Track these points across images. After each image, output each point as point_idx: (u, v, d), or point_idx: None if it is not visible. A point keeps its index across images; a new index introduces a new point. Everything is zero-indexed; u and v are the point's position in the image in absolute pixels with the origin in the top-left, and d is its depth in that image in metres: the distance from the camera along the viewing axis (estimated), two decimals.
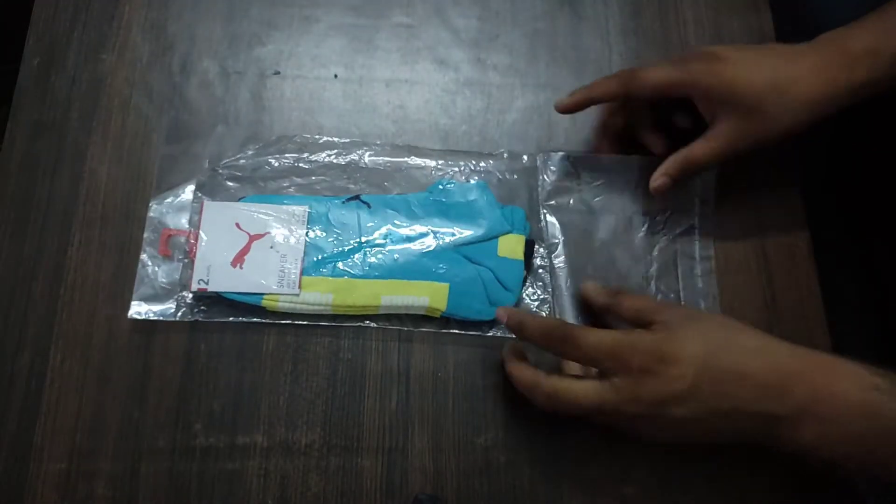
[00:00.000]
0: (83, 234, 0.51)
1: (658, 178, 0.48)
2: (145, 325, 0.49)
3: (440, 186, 0.52)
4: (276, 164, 0.52)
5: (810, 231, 0.53)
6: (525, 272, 0.50)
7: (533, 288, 0.51)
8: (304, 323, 0.49)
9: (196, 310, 0.48)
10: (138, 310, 0.48)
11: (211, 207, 0.49)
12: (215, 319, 0.48)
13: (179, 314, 0.48)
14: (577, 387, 0.41)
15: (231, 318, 0.48)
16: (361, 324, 0.49)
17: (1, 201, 0.52)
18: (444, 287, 0.49)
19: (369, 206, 0.51)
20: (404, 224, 0.51)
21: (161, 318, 0.48)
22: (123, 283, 0.50)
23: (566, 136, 0.55)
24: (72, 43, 0.56)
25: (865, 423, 0.36)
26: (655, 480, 0.47)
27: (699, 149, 0.47)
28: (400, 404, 0.48)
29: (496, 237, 0.50)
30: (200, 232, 0.49)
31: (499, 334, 0.49)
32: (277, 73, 0.56)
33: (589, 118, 0.56)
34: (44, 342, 0.48)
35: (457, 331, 0.50)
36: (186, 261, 0.49)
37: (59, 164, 0.53)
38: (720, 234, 0.53)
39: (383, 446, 0.47)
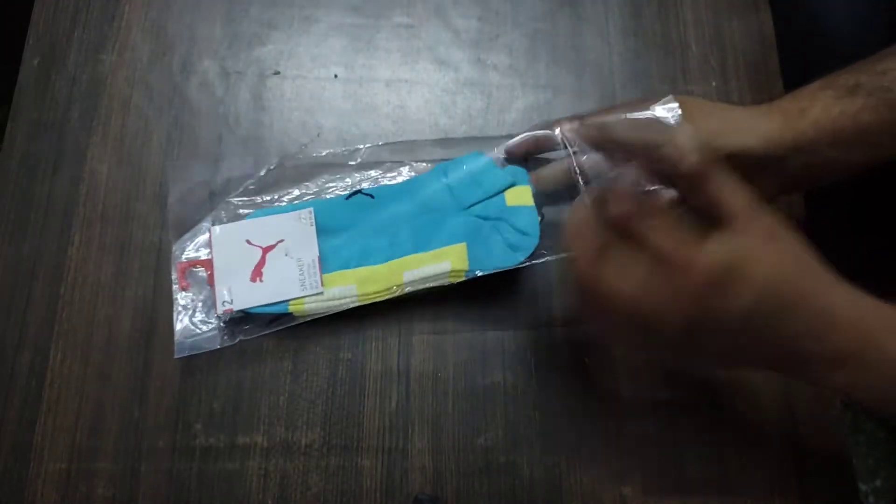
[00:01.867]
0: (83, 234, 0.51)
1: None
2: (145, 324, 0.49)
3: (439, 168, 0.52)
4: (281, 178, 0.52)
5: (810, 231, 0.53)
6: (540, 215, 0.49)
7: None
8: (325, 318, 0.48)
9: (236, 332, 0.48)
10: (183, 347, 0.47)
11: (218, 231, 0.49)
12: (257, 335, 0.48)
13: (221, 341, 0.47)
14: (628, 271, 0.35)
15: (274, 329, 0.48)
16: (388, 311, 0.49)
17: (1, 201, 0.52)
18: (461, 247, 0.48)
19: (372, 197, 0.51)
20: (411, 204, 0.50)
21: (206, 349, 0.47)
22: (124, 283, 0.50)
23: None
24: (72, 43, 0.56)
25: None
26: (655, 480, 0.47)
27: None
28: (400, 404, 0.48)
29: (501, 192, 0.50)
30: (213, 256, 0.49)
31: (532, 263, 0.47)
32: (277, 73, 0.56)
33: None
34: (44, 342, 0.48)
35: (456, 332, 0.50)
36: (209, 288, 0.49)
37: (59, 164, 0.53)
38: None
39: (383, 446, 0.47)
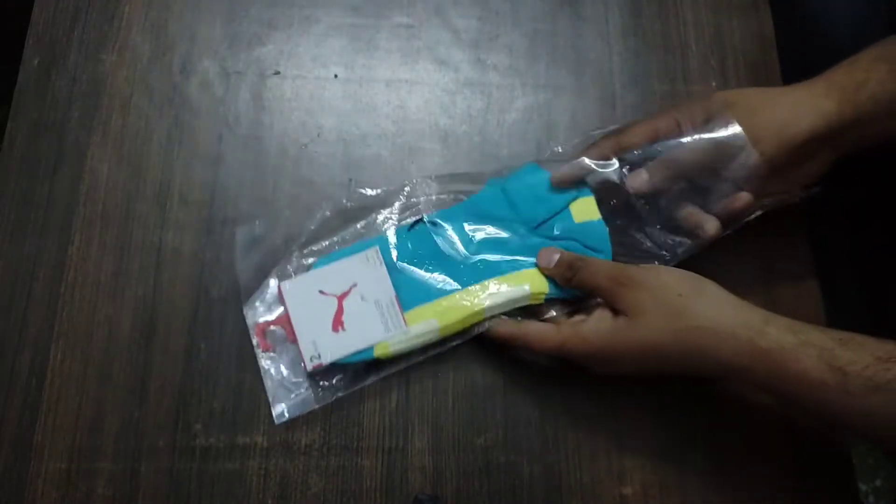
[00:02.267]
0: (83, 234, 0.51)
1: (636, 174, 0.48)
2: (145, 324, 0.49)
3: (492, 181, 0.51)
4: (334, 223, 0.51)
5: (810, 231, 0.53)
6: (607, 227, 0.49)
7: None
8: (420, 359, 0.48)
9: (331, 387, 0.47)
10: (282, 413, 0.47)
11: (289, 287, 0.48)
12: (358, 386, 0.47)
13: (319, 399, 0.47)
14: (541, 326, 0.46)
15: (373, 379, 0.47)
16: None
17: (1, 201, 0.52)
18: (536, 271, 0.48)
19: (435, 224, 0.50)
20: (476, 227, 0.50)
21: (306, 410, 0.47)
22: (124, 283, 0.50)
23: (566, 136, 0.55)
24: (72, 43, 0.56)
25: (816, 399, 0.39)
26: (655, 480, 0.47)
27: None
28: (400, 404, 0.48)
29: (566, 207, 0.50)
30: (290, 312, 0.48)
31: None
32: (277, 73, 0.56)
33: (589, 120, 0.56)
34: (44, 341, 0.48)
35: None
36: (290, 346, 0.48)
37: (59, 164, 0.53)
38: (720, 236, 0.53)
39: (383, 446, 0.47)
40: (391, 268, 0.49)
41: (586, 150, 0.49)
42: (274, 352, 0.48)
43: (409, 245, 0.50)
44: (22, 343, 0.48)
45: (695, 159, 0.46)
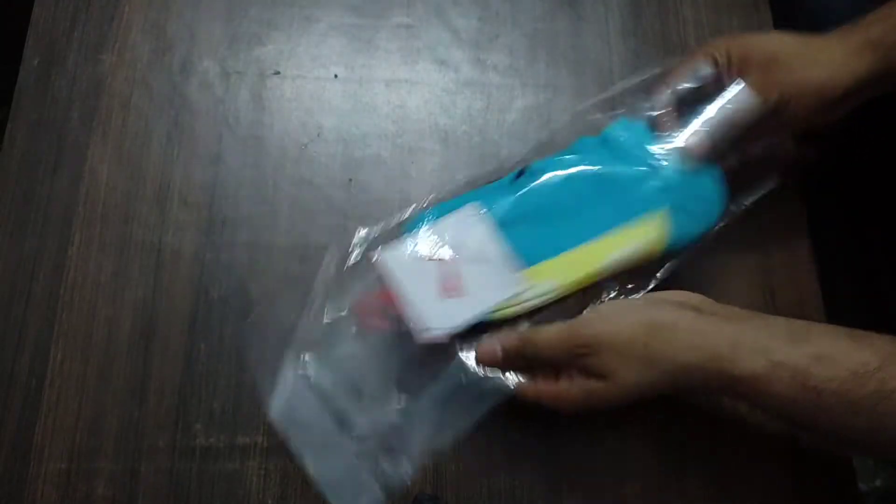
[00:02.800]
0: (83, 234, 0.51)
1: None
2: (145, 324, 0.49)
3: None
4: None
5: (810, 231, 0.53)
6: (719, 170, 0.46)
7: None
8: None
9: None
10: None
11: (391, 257, 0.44)
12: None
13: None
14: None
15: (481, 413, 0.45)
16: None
17: (1, 201, 0.52)
18: (658, 220, 0.45)
19: (543, 173, 0.46)
20: (586, 171, 0.46)
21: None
22: (124, 283, 0.50)
23: (565, 136, 0.55)
24: (72, 43, 0.56)
25: (796, 415, 0.39)
26: (655, 480, 0.47)
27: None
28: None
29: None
30: (396, 283, 0.43)
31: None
32: (277, 73, 0.56)
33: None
34: (44, 342, 0.48)
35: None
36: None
37: (59, 164, 0.53)
38: (720, 236, 0.53)
39: (383, 446, 0.47)
40: (499, 223, 0.45)
41: (646, 97, 0.49)
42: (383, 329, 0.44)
43: (518, 197, 0.45)
44: (22, 343, 0.48)
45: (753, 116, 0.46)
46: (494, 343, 0.44)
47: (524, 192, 0.46)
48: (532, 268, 0.44)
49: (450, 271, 0.43)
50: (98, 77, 0.55)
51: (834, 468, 0.48)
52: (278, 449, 0.47)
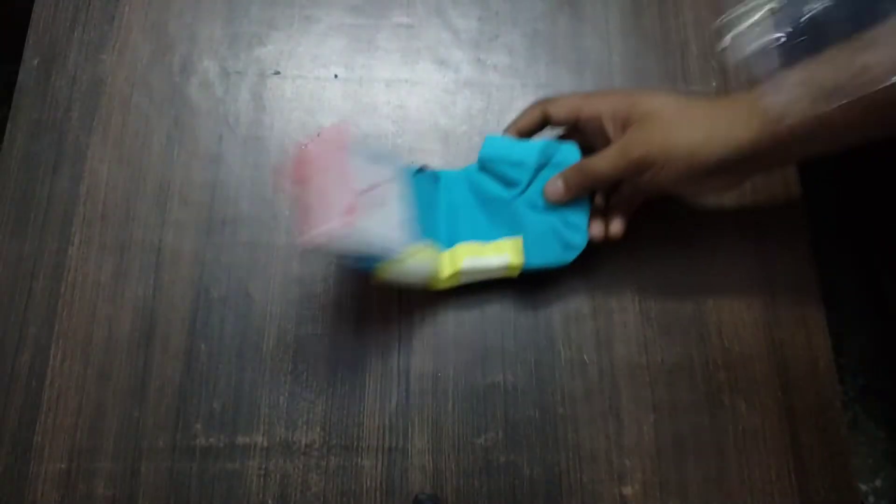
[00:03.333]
0: (83, 234, 0.51)
1: (552, 182, 0.48)
2: (145, 324, 0.49)
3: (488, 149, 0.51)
4: None
5: (811, 231, 0.53)
6: (590, 205, 0.49)
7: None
8: None
9: None
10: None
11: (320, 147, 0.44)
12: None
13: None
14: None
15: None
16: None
17: (1, 201, 0.52)
18: (517, 241, 0.48)
19: (436, 179, 0.51)
20: (469, 190, 0.50)
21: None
22: (124, 283, 0.50)
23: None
24: (72, 43, 0.56)
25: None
26: (655, 480, 0.47)
27: (596, 156, 0.46)
28: (400, 404, 0.48)
29: (551, 172, 0.49)
30: (318, 169, 0.43)
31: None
32: (277, 73, 0.56)
33: None
34: (44, 341, 0.48)
35: (456, 332, 0.50)
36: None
37: (59, 164, 0.53)
38: (720, 235, 0.53)
39: (383, 446, 0.47)
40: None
41: (518, 117, 0.50)
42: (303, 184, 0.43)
43: (415, 187, 0.48)
44: (22, 343, 0.48)
45: (609, 173, 0.46)
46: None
47: (418, 184, 0.48)
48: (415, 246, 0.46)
49: (358, 197, 0.42)
50: (98, 77, 0.55)
51: (834, 468, 0.48)
52: (278, 449, 0.47)
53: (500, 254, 0.48)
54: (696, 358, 0.50)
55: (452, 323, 0.50)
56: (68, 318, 0.49)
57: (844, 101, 0.39)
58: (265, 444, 0.47)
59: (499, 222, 0.49)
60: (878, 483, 1.06)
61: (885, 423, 1.07)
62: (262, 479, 0.46)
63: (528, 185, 0.49)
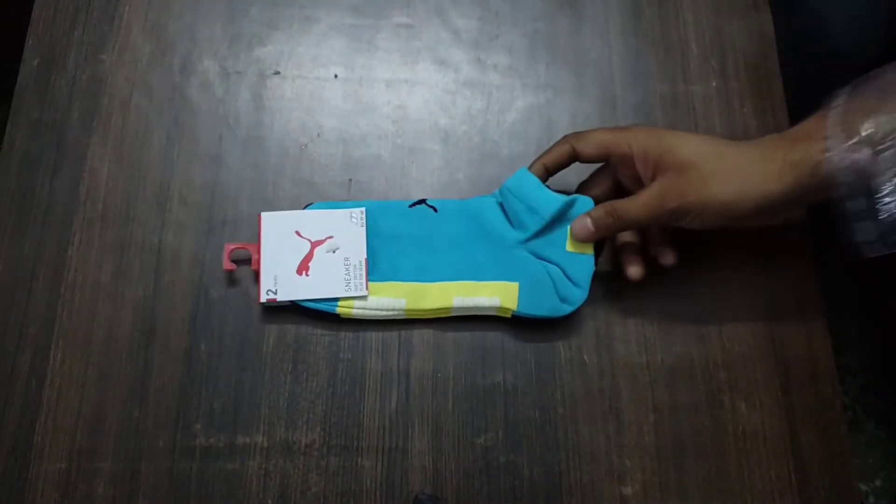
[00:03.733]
0: (83, 234, 0.51)
1: (580, 220, 0.48)
2: (145, 324, 0.49)
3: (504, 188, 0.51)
4: None
5: (811, 231, 0.53)
6: (594, 267, 0.49)
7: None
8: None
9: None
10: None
11: (269, 218, 0.50)
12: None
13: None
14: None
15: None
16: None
17: (1, 201, 0.52)
18: (513, 286, 0.48)
19: (435, 210, 0.51)
20: (472, 225, 0.50)
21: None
22: (124, 283, 0.50)
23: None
24: (72, 43, 0.56)
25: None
26: (655, 480, 0.47)
27: (630, 201, 0.46)
28: (400, 404, 0.48)
29: (562, 226, 0.49)
30: (262, 243, 0.49)
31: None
32: (277, 73, 0.56)
33: (589, 120, 0.56)
34: (44, 341, 0.48)
35: (456, 332, 0.50)
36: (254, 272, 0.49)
37: (59, 164, 0.53)
38: (720, 235, 0.53)
39: (383, 446, 0.47)
40: (378, 233, 0.50)
41: (546, 152, 0.50)
42: (232, 272, 0.49)
43: (405, 220, 0.50)
44: (22, 343, 0.48)
45: (642, 219, 0.46)
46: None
47: (410, 217, 0.50)
48: (380, 283, 0.49)
49: (310, 253, 0.49)
50: (98, 77, 0.55)
51: (834, 468, 0.48)
52: (278, 449, 0.47)
53: (491, 295, 0.48)
54: (696, 358, 0.50)
55: (452, 323, 0.50)
56: (68, 319, 0.49)
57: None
58: (265, 444, 0.47)
59: (498, 262, 0.49)
60: (878, 483, 1.06)
61: (885, 423, 1.07)
62: (262, 479, 0.46)
63: (536, 234, 0.49)
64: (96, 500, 0.45)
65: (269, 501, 0.46)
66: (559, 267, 0.49)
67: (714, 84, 0.57)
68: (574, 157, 0.49)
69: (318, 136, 0.55)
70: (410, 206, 0.51)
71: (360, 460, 0.47)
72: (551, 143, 0.51)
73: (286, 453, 0.47)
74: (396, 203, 0.51)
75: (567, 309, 0.48)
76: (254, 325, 0.49)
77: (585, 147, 0.48)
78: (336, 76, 0.57)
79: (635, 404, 0.49)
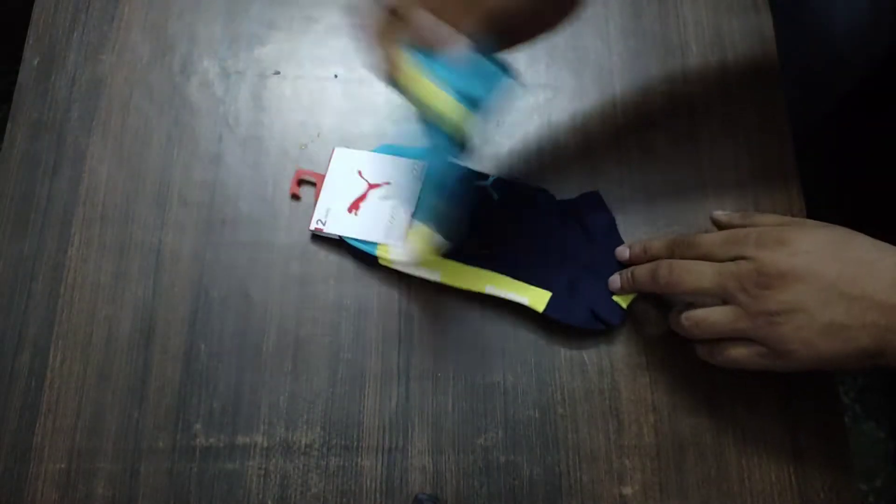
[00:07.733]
0: (83, 234, 0.51)
1: (676, 318, 0.47)
2: (145, 324, 0.49)
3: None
4: None
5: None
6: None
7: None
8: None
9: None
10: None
11: (340, 153, 0.52)
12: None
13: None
14: (711, 312, 0.44)
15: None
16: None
17: (1, 201, 0.52)
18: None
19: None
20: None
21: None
22: (124, 284, 0.50)
23: (565, 136, 0.55)
24: (72, 43, 0.56)
25: None
26: (655, 481, 0.47)
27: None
28: (400, 404, 0.48)
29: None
30: (326, 176, 0.51)
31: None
32: (277, 73, 0.56)
33: (589, 120, 0.56)
34: (44, 342, 0.48)
35: (457, 332, 0.50)
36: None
37: (59, 164, 0.53)
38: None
39: (383, 446, 0.47)
40: (431, 188, 0.47)
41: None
42: (296, 198, 0.52)
43: (468, 188, 0.50)
44: (22, 343, 0.48)
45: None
46: (678, 318, 0.46)
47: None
48: (420, 229, 0.47)
49: (364, 194, 0.51)
50: (98, 77, 0.55)
51: (834, 468, 0.48)
52: (278, 449, 0.47)
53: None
54: (697, 358, 0.50)
55: (452, 323, 0.50)
56: (68, 319, 0.49)
57: None
58: (265, 444, 0.47)
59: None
60: (878, 483, 1.06)
61: (885, 423, 1.07)
62: (262, 480, 0.46)
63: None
64: (96, 500, 0.45)
65: (269, 501, 0.46)
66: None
67: (714, 84, 0.57)
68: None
69: (318, 136, 0.55)
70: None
71: (359, 460, 0.47)
72: (551, 143, 0.51)
73: (286, 453, 0.47)
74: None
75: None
76: (254, 325, 0.49)
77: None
78: (336, 76, 0.57)
79: (635, 404, 0.49)
